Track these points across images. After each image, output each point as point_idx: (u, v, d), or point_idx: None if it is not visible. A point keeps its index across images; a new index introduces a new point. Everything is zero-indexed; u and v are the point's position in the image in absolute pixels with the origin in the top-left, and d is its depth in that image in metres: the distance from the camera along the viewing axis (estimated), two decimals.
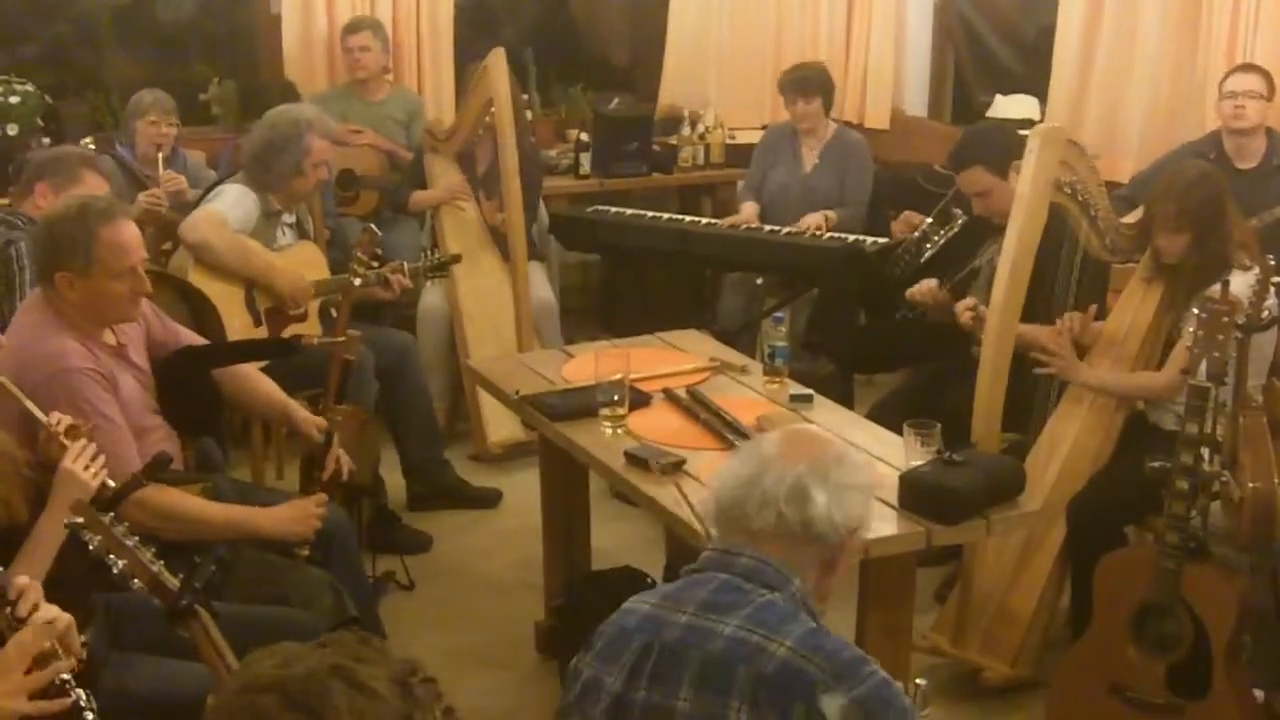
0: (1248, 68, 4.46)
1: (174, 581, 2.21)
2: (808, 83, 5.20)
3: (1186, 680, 2.93)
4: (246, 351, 3.57)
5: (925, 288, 4.08)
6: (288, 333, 4.03)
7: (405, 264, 4.27)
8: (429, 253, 4.58)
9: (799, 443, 1.94)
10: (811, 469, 1.86)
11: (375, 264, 4.01)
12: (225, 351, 3.45)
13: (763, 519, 1.84)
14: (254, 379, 3.31)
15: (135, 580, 2.20)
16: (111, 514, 2.29)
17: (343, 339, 3.56)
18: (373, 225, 4.03)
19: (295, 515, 2.97)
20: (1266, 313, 3.01)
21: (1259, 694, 3.03)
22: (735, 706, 1.74)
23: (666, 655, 1.81)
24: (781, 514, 1.83)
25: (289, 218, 4.23)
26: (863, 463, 1.96)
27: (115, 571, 2.21)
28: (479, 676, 3.54)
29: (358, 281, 3.82)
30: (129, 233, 2.86)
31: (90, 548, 2.22)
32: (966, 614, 3.50)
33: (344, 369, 3.53)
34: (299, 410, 3.29)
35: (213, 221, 3.95)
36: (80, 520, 2.25)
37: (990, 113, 5.52)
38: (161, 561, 2.23)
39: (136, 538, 2.24)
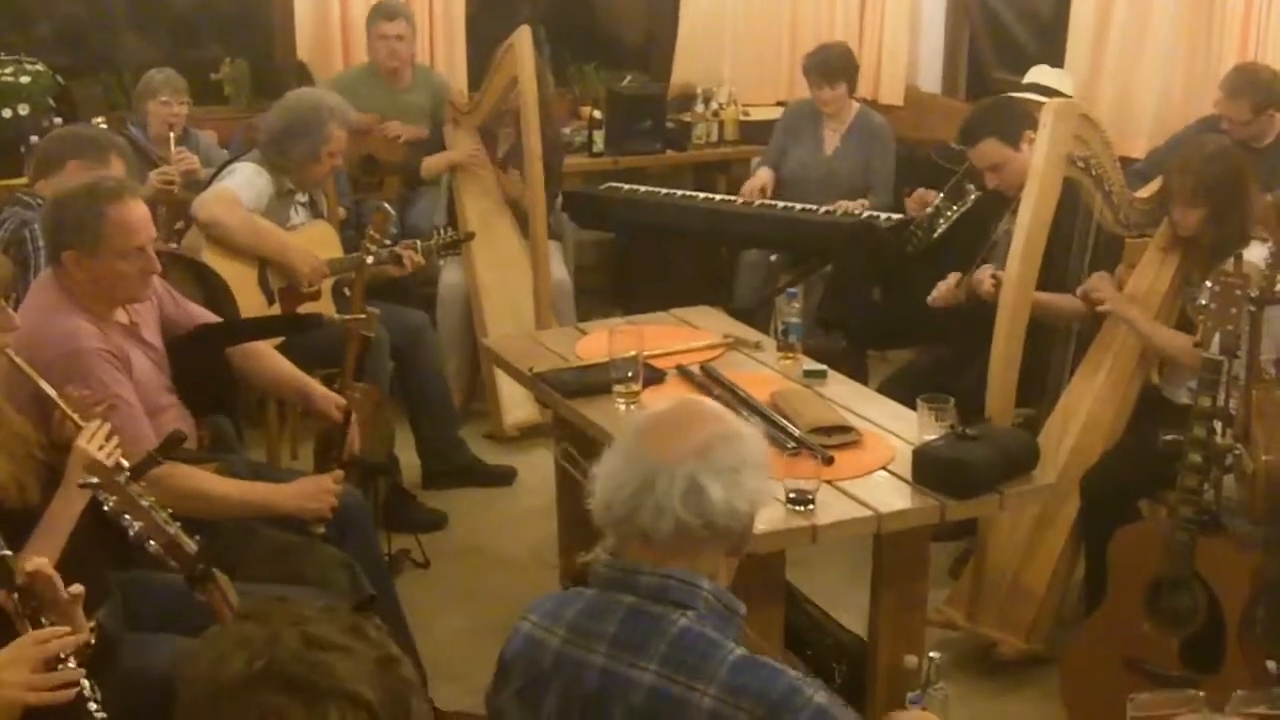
0: (1228, 93, 4.40)
1: (191, 544, 2.22)
2: (832, 69, 5.16)
3: (1200, 653, 2.93)
4: (267, 327, 3.58)
5: (946, 289, 3.99)
6: (302, 311, 4.03)
7: (418, 241, 4.28)
8: (442, 230, 4.58)
9: (681, 426, 1.78)
10: (701, 461, 1.72)
11: (388, 242, 4.01)
12: (246, 327, 3.46)
13: (660, 529, 1.70)
14: (268, 357, 3.32)
15: (151, 543, 2.20)
16: (127, 474, 2.30)
17: (363, 316, 3.56)
18: (385, 204, 4.03)
19: (312, 492, 2.98)
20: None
21: (1273, 666, 3.02)
22: None
23: (589, 710, 1.73)
24: (680, 520, 1.70)
25: (302, 197, 4.23)
26: (750, 433, 1.82)
27: (131, 534, 2.20)
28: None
29: (370, 259, 3.83)
30: (138, 212, 2.86)
31: (105, 509, 2.21)
32: (981, 589, 3.50)
33: (362, 346, 3.54)
34: (318, 388, 3.30)
35: (224, 200, 3.95)
36: (96, 480, 2.25)
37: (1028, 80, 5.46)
38: (178, 524, 2.24)
39: (152, 498, 2.24)
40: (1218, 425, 2.86)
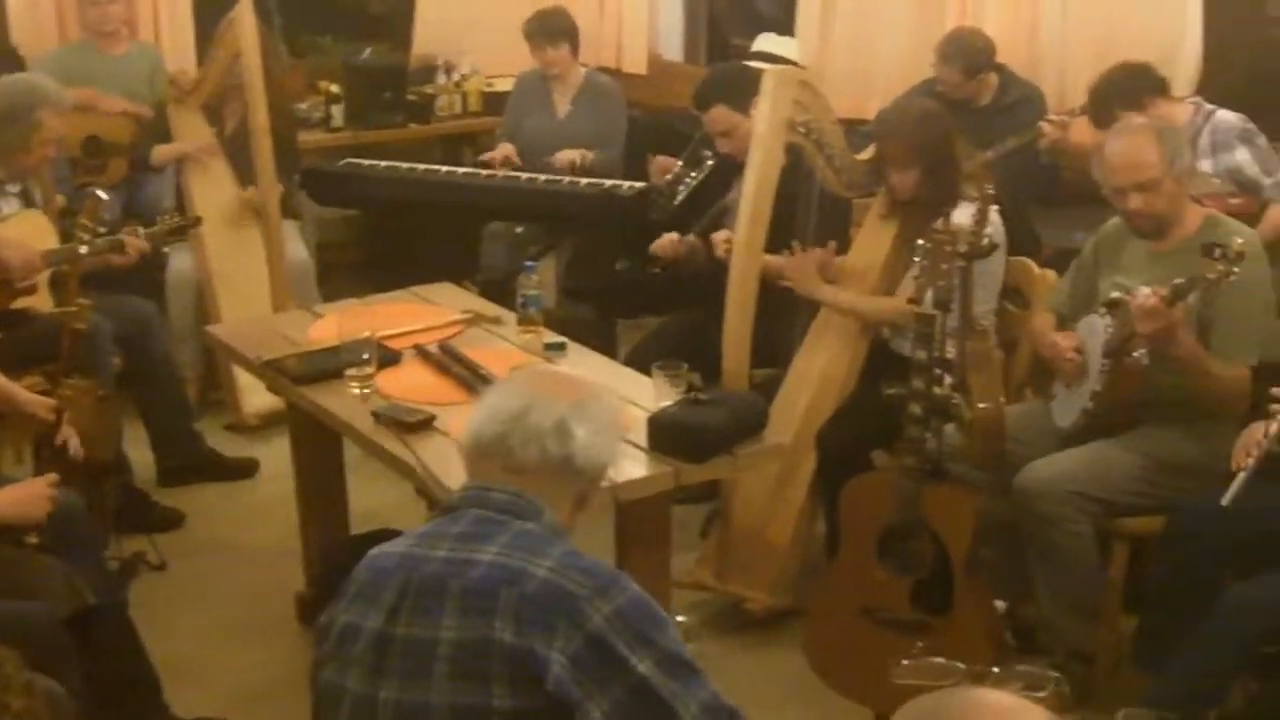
0: (941, 58, 4.59)
1: None
2: (552, 28, 5.18)
3: (931, 597, 3.02)
4: None
5: (666, 242, 4.13)
6: (16, 307, 3.80)
7: (140, 228, 4.08)
8: (169, 216, 4.38)
9: (562, 382, 2.04)
10: (574, 408, 1.93)
11: (104, 230, 3.82)
12: None
13: (526, 454, 1.90)
14: None
15: None
16: None
17: (73, 309, 3.40)
18: (98, 190, 3.83)
19: (23, 497, 2.80)
20: (987, 239, 3.12)
21: (1000, 605, 3.16)
22: (499, 627, 1.76)
23: (426, 589, 1.83)
24: (545, 449, 1.90)
25: (13, 187, 4.00)
26: (616, 404, 2.07)
27: None
28: (239, 653, 3.44)
29: (84, 249, 3.64)
30: None
31: None
32: (727, 548, 3.56)
33: (74, 340, 3.38)
34: (18, 390, 3.12)
35: None
36: None
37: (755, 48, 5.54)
38: None
39: None
40: (938, 375, 2.96)
